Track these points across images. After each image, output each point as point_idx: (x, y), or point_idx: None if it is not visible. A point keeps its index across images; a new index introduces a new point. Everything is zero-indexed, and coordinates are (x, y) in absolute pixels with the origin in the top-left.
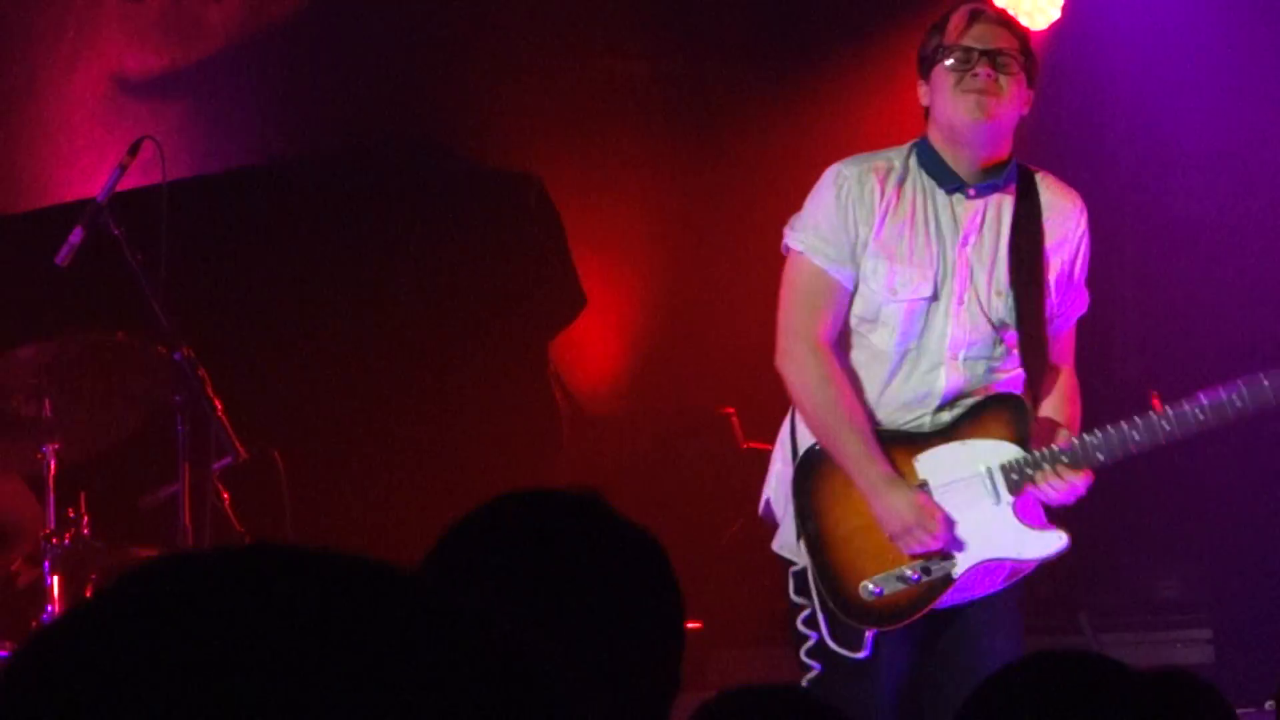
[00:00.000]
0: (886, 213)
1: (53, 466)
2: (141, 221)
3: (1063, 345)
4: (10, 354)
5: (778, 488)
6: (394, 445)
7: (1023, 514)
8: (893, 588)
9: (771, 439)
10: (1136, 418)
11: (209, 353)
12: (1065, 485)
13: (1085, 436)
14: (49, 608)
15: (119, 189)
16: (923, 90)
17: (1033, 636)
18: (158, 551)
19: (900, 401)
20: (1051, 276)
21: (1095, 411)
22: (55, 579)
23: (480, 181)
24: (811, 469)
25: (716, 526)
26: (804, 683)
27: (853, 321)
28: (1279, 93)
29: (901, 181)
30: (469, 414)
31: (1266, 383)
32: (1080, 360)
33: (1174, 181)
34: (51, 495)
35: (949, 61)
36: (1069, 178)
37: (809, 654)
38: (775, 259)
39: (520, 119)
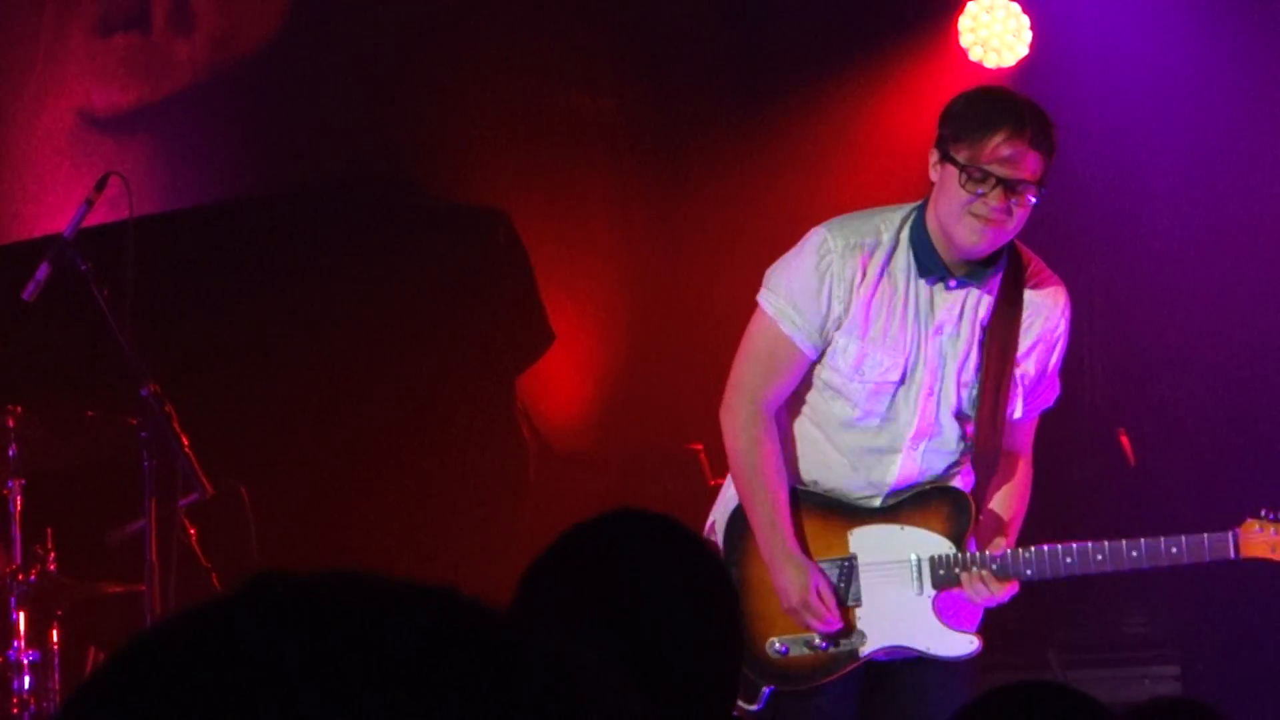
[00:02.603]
0: (870, 295)
1: (18, 503)
2: (108, 257)
3: (1023, 435)
4: None
5: (720, 520)
6: (361, 481)
7: (942, 610)
8: (798, 651)
9: None
10: (1073, 544)
11: (175, 388)
12: (986, 593)
13: (1018, 551)
14: (15, 644)
15: (85, 225)
16: (934, 163)
17: (1001, 673)
18: (124, 588)
19: (847, 475)
20: (1019, 374)
21: (1064, 443)
22: (21, 614)
23: (448, 217)
24: (746, 517)
25: None
26: None
27: (818, 385)
28: (1246, 120)
29: (889, 258)
30: (436, 450)
31: (1206, 542)
32: None
33: (1144, 211)
34: (18, 531)
35: (967, 172)
36: (1040, 210)
37: None
38: (743, 295)
39: (488, 154)
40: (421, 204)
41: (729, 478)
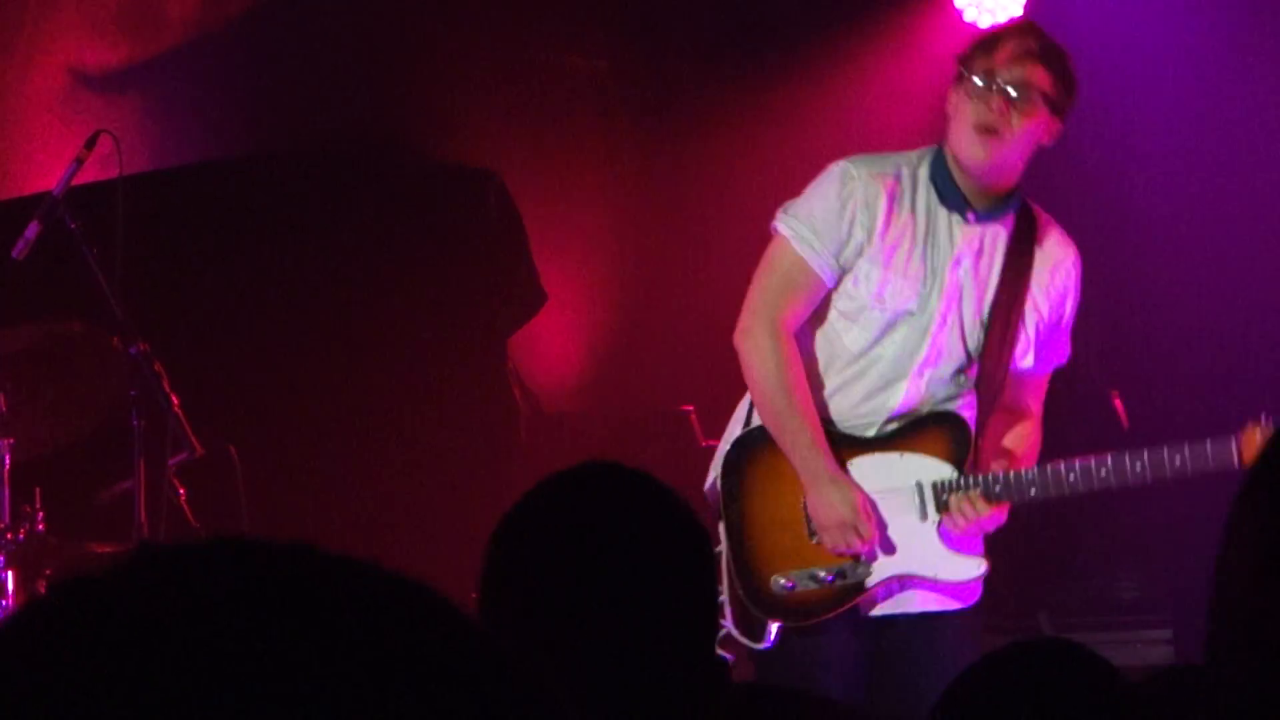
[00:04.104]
0: (889, 223)
1: (7, 462)
2: (98, 216)
3: (1035, 392)
4: None
5: (716, 464)
6: (351, 441)
7: (946, 535)
8: (804, 585)
9: None
10: (1075, 461)
11: (165, 348)
12: (974, 514)
13: (1023, 471)
14: (3, 603)
15: (75, 183)
16: (951, 99)
17: (992, 635)
18: (112, 548)
19: (852, 403)
20: (1029, 322)
21: (1059, 410)
22: (10, 574)
23: (440, 178)
24: (746, 452)
25: None
26: None
27: (832, 314)
28: (1241, 91)
29: (912, 193)
30: (427, 410)
31: (1209, 450)
32: None
33: (1136, 180)
34: (6, 490)
35: (973, 83)
36: (1031, 177)
37: (720, 644)
38: (736, 256)
39: (480, 115)
40: (413, 164)
41: (722, 440)
